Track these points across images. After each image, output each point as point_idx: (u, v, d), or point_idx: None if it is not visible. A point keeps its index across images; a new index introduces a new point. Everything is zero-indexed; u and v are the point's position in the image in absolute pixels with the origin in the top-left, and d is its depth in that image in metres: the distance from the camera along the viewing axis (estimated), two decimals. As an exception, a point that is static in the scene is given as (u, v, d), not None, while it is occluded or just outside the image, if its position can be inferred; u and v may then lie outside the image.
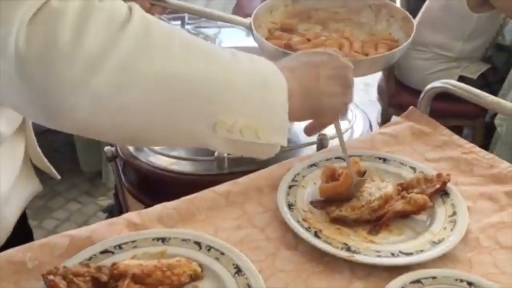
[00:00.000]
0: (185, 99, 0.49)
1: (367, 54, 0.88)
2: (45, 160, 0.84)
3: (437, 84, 0.99)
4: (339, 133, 0.75)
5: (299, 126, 1.08)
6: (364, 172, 0.78)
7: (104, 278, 0.62)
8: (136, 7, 0.49)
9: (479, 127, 2.10)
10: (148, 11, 0.95)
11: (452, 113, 1.95)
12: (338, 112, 0.67)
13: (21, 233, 0.81)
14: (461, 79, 1.99)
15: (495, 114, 1.86)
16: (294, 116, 0.60)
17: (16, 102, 0.48)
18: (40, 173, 0.85)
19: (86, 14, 0.45)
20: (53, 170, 0.86)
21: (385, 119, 2.19)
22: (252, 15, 0.94)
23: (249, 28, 0.92)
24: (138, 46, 0.47)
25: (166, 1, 0.95)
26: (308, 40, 0.92)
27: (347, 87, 0.65)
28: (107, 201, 2.19)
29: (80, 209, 2.20)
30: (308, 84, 0.61)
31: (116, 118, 0.48)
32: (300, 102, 0.60)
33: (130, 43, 0.46)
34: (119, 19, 0.46)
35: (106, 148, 1.04)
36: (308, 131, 0.71)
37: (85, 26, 0.44)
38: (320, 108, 0.64)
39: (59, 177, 0.86)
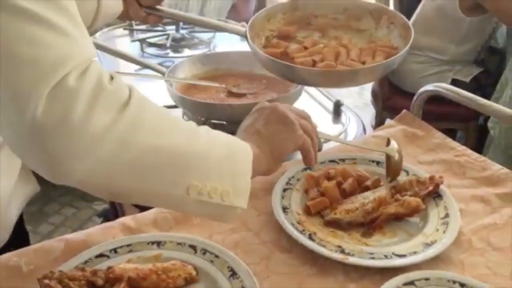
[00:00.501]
0: (168, 166, 0.58)
1: (364, 62, 0.88)
2: None
3: (429, 87, 1.00)
4: (331, 138, 0.77)
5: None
6: (388, 141, 0.84)
7: (100, 282, 0.62)
8: (135, 90, 0.57)
9: (472, 130, 2.11)
10: (144, 20, 0.95)
11: (446, 116, 1.97)
12: (297, 139, 0.73)
13: (18, 236, 0.82)
14: (454, 82, 2.01)
15: (488, 117, 1.88)
16: (265, 168, 0.71)
17: (20, 153, 0.55)
18: (36, 176, 0.85)
19: (97, 94, 0.52)
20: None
21: (379, 122, 2.20)
22: (249, 23, 0.93)
23: (244, 37, 0.92)
24: (135, 122, 0.55)
25: (162, 10, 0.95)
26: (305, 48, 0.91)
27: (284, 118, 0.73)
28: (102, 205, 2.19)
29: (75, 213, 2.19)
30: (255, 140, 0.70)
31: (107, 182, 0.55)
32: (261, 155, 0.69)
33: (128, 119, 0.54)
34: (121, 101, 0.54)
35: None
36: (305, 163, 0.77)
37: (95, 105, 0.52)
38: (276, 148, 0.72)
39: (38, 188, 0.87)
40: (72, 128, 0.50)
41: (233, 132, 1.07)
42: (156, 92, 1.25)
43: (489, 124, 1.82)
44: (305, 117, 0.77)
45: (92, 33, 0.76)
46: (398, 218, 0.76)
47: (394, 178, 0.82)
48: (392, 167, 0.82)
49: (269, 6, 0.99)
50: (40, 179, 0.85)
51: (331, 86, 1.02)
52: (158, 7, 0.94)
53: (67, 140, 0.51)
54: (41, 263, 0.68)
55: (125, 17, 0.96)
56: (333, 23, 0.97)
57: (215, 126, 1.05)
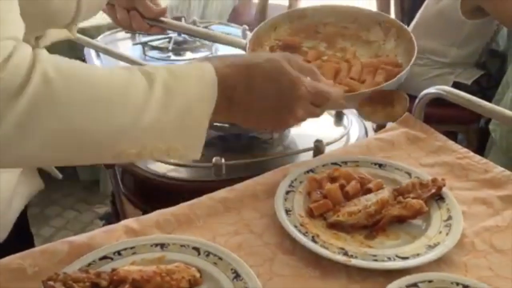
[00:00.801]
0: (84, 148, 0.54)
1: (364, 81, 0.86)
2: None
3: (431, 90, 1.00)
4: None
5: (296, 132, 1.10)
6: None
7: (104, 283, 0.63)
8: (40, 58, 0.52)
9: (473, 133, 2.12)
10: (147, 31, 0.96)
11: (447, 118, 1.97)
12: (281, 126, 0.69)
13: (23, 238, 0.82)
14: (456, 85, 2.01)
15: (489, 120, 1.88)
16: (216, 121, 0.63)
17: None
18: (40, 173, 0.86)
19: None
20: (55, 169, 0.88)
21: (380, 125, 2.20)
22: (253, 34, 0.91)
23: (244, 49, 0.90)
24: (33, 107, 0.50)
25: (164, 22, 0.95)
26: (308, 61, 0.88)
27: (288, 115, 0.65)
28: (103, 208, 2.19)
29: (77, 216, 2.20)
30: (241, 108, 0.63)
31: (20, 163, 0.55)
32: (225, 118, 0.63)
33: (24, 106, 0.50)
34: (15, 84, 0.50)
35: (104, 155, 1.05)
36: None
37: None
38: (258, 120, 0.65)
39: (60, 176, 0.89)
40: None
41: (236, 137, 1.08)
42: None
43: (490, 127, 1.82)
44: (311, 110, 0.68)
45: (80, 22, 0.75)
46: (400, 220, 0.76)
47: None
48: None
49: (275, 16, 0.96)
50: (44, 179, 0.87)
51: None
52: (161, 18, 0.95)
53: None
54: (45, 265, 0.68)
55: (128, 28, 0.96)
56: (342, 32, 0.94)
57: (217, 128, 1.06)
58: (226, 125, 1.06)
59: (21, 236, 0.80)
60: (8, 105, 0.49)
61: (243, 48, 0.91)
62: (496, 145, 1.81)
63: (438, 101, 1.00)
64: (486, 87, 2.03)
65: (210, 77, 0.60)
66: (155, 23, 0.94)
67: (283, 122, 0.67)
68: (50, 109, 0.51)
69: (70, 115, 0.52)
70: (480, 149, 1.98)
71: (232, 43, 0.96)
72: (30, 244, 0.86)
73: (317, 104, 0.67)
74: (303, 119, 0.68)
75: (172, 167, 0.97)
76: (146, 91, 0.56)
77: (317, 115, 0.70)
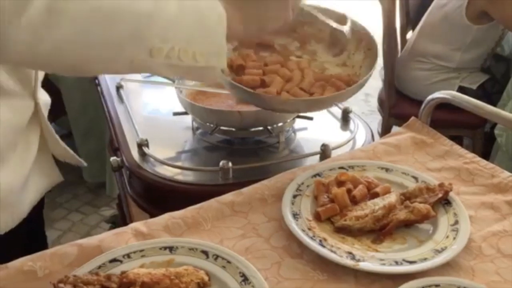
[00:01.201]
0: (116, 31, 0.52)
1: (312, 94, 0.86)
2: (68, 148, 0.85)
3: (437, 95, 1.00)
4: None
5: (303, 137, 1.10)
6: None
7: (114, 286, 0.63)
8: None
9: (478, 137, 2.11)
10: None
11: (453, 123, 1.97)
12: (281, 20, 0.68)
13: (39, 240, 0.83)
14: (461, 89, 2.01)
15: (495, 125, 1.88)
16: (236, 35, 0.64)
17: None
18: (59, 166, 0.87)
19: None
20: (77, 157, 0.88)
21: (385, 129, 2.20)
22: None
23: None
24: None
25: None
26: (265, 65, 0.89)
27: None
28: (109, 211, 2.20)
29: (82, 219, 2.21)
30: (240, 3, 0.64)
31: (54, 51, 0.52)
32: (236, 19, 0.63)
33: None
34: None
35: (112, 159, 1.05)
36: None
37: None
38: (261, 20, 0.66)
39: (84, 164, 0.89)
40: None
41: (243, 141, 1.09)
42: (165, 98, 1.26)
43: (496, 132, 1.82)
44: None
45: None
46: (408, 224, 0.76)
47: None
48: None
49: None
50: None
51: (262, 107, 0.94)
52: None
53: None
54: (56, 268, 0.68)
55: None
56: (317, 35, 0.94)
57: (224, 132, 1.07)
58: (233, 128, 1.06)
59: (35, 238, 0.81)
60: None
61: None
62: (502, 150, 1.81)
63: (444, 106, 1.01)
64: (491, 92, 2.03)
65: None
66: None
67: (282, 9, 0.68)
68: None
69: None
70: (486, 154, 1.98)
71: None
72: (43, 245, 0.86)
73: None
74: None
75: (179, 170, 0.98)
76: None
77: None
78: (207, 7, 0.59)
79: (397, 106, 2.20)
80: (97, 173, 2.22)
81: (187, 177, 0.97)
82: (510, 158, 1.73)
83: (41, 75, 0.80)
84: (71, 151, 0.88)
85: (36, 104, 0.80)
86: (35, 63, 0.55)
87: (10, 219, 0.79)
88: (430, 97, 1.01)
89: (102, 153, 2.08)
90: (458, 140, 2.16)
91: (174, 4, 0.56)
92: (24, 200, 0.80)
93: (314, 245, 0.72)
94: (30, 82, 0.78)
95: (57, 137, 0.84)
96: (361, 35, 0.92)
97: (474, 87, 2.03)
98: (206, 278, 0.66)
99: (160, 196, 0.96)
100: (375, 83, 3.12)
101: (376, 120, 2.53)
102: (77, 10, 0.50)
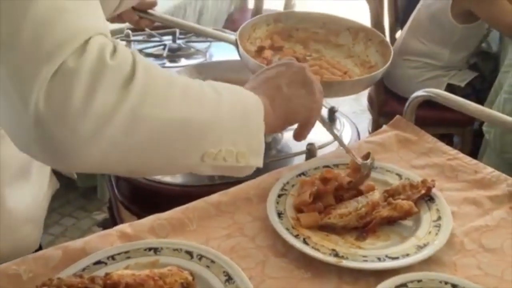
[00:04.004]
0: (181, 138, 0.58)
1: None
2: None
3: (421, 93, 1.01)
4: (328, 127, 0.82)
5: (289, 136, 1.11)
6: (368, 154, 0.83)
7: (98, 288, 0.64)
8: (138, 56, 0.55)
9: (468, 135, 2.13)
10: (137, 23, 0.98)
11: (442, 121, 1.99)
12: (311, 111, 0.73)
13: None
14: (449, 87, 2.03)
15: (483, 122, 1.90)
16: (272, 129, 0.68)
17: (26, 145, 0.53)
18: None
19: (97, 73, 0.50)
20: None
21: (376, 128, 2.21)
22: (237, 32, 0.96)
23: (235, 44, 0.94)
24: (143, 96, 0.53)
25: (153, 14, 0.99)
26: (296, 58, 0.94)
27: (309, 85, 0.72)
28: (102, 215, 2.20)
29: (75, 224, 2.20)
30: (273, 96, 0.69)
31: (123, 160, 0.55)
32: (273, 115, 0.68)
33: (136, 95, 0.52)
34: (126, 75, 0.52)
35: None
36: (296, 136, 0.77)
37: (97, 85, 0.50)
38: (291, 112, 0.71)
39: (75, 176, 0.90)
40: (75, 113, 0.48)
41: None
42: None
43: (484, 128, 1.84)
44: (321, 89, 0.75)
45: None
46: (391, 221, 0.77)
47: (355, 184, 0.82)
48: (359, 177, 0.83)
49: (255, 17, 1.04)
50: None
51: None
52: (150, 11, 0.97)
53: (71, 125, 0.49)
54: (40, 271, 0.69)
55: (118, 20, 0.98)
56: (313, 37, 1.03)
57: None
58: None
59: None
60: (123, 93, 0.51)
61: (233, 43, 0.95)
62: (490, 147, 1.82)
63: (432, 104, 1.02)
64: (480, 89, 2.05)
65: (247, 91, 0.67)
66: (144, 15, 0.98)
67: (308, 94, 0.72)
68: (154, 99, 0.54)
69: (169, 106, 0.55)
70: (475, 151, 1.99)
71: (221, 38, 1.02)
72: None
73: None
74: (320, 100, 0.74)
75: (166, 172, 0.99)
76: (214, 91, 0.62)
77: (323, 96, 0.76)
78: (253, 108, 0.64)
79: (387, 105, 2.21)
80: (88, 177, 2.22)
81: (174, 178, 0.97)
82: (497, 154, 1.74)
83: None
84: None
85: None
86: (99, 169, 0.57)
87: (38, 235, 0.81)
88: (414, 95, 1.02)
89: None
90: (448, 138, 2.18)
91: (226, 108, 0.61)
92: (43, 213, 0.82)
93: (297, 243, 0.72)
94: None
95: None
96: (357, 29, 1.00)
97: (463, 84, 2.04)
98: (190, 278, 0.67)
99: (147, 199, 0.97)
100: (366, 82, 3.13)
101: (367, 120, 2.54)
102: (157, 119, 0.54)
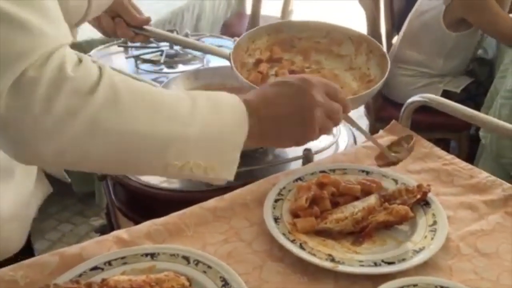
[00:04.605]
0: (142, 149, 0.59)
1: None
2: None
3: (416, 98, 1.02)
4: (351, 122, 0.84)
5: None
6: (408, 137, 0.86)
7: (94, 294, 0.64)
8: (107, 70, 0.58)
9: (464, 139, 2.14)
10: (132, 39, 0.99)
11: (439, 126, 1.99)
12: (304, 140, 0.71)
13: (25, 251, 0.84)
14: (445, 93, 2.03)
15: (479, 127, 1.90)
16: (253, 145, 0.69)
17: None
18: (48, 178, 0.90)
19: (57, 82, 0.53)
20: (64, 173, 0.91)
21: (372, 133, 2.20)
22: (235, 44, 0.96)
23: (228, 59, 0.94)
24: (104, 105, 0.56)
25: (149, 30, 1.00)
26: (293, 72, 0.93)
27: (308, 124, 0.68)
28: (99, 221, 2.19)
29: (72, 230, 2.20)
30: (268, 126, 0.68)
31: (81, 160, 0.58)
32: (258, 134, 0.67)
33: (97, 103, 0.55)
34: (88, 85, 0.55)
35: (96, 168, 1.06)
36: None
37: (57, 92, 0.53)
38: (283, 135, 0.70)
39: (69, 180, 0.92)
40: (33, 116, 0.52)
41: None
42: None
43: (481, 133, 1.85)
44: (333, 95, 0.71)
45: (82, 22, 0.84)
46: (387, 226, 0.77)
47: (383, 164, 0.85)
48: (386, 163, 0.85)
49: (254, 29, 1.02)
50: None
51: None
52: (146, 27, 0.99)
53: (30, 126, 0.53)
54: (37, 277, 0.69)
55: (113, 36, 1.00)
56: (315, 46, 1.00)
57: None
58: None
59: (23, 249, 0.82)
60: (83, 102, 0.54)
61: (227, 58, 0.94)
62: (486, 151, 1.83)
63: (428, 109, 1.02)
64: (476, 94, 2.06)
65: (240, 107, 0.66)
66: (139, 31, 0.99)
67: (304, 132, 0.70)
68: (116, 110, 0.56)
69: (132, 118, 0.58)
70: (472, 156, 2.00)
71: (215, 53, 1.02)
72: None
73: (330, 115, 0.71)
74: (321, 130, 0.71)
75: (163, 178, 0.99)
76: (191, 107, 0.62)
77: (330, 127, 0.73)
78: (233, 126, 0.64)
79: (383, 110, 2.22)
80: (86, 183, 2.21)
81: (171, 184, 0.98)
82: (493, 159, 1.75)
83: None
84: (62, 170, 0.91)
85: None
86: (56, 164, 0.67)
87: (24, 234, 0.82)
88: (409, 100, 1.03)
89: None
90: (444, 142, 2.18)
91: (199, 125, 0.61)
92: (30, 213, 0.84)
93: (294, 248, 0.72)
94: None
95: None
96: (360, 39, 0.98)
97: (458, 90, 2.05)
98: (187, 283, 0.67)
99: (144, 204, 0.97)
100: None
101: (363, 126, 2.55)
102: (116, 129, 0.57)
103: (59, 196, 2.29)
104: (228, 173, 0.64)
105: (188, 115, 0.61)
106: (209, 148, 0.62)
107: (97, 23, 0.99)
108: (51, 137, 0.54)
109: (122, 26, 0.97)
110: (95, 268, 0.69)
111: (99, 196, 2.19)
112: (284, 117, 0.68)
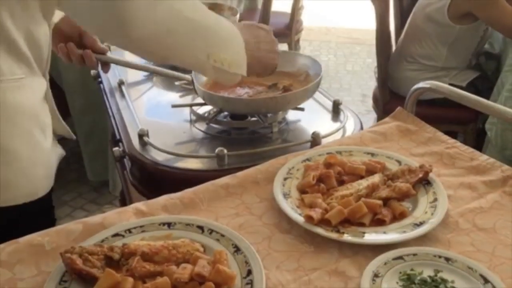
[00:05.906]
0: (193, 35, 0.80)
1: None
2: (64, 123, 1.00)
3: (421, 85, 1.06)
4: None
5: (295, 126, 1.16)
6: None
7: (116, 256, 0.69)
8: None
9: (470, 132, 2.17)
10: (96, 68, 1.22)
11: (445, 119, 2.02)
12: (274, 66, 0.97)
13: (48, 221, 0.90)
14: (451, 86, 2.06)
15: (486, 121, 1.93)
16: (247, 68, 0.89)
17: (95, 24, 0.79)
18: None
19: None
20: (69, 131, 1.01)
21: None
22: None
23: (191, 83, 1.15)
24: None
25: (111, 58, 1.19)
26: None
27: (275, 51, 0.97)
28: (112, 208, 2.25)
29: (86, 216, 2.25)
30: (253, 51, 0.91)
31: (156, 44, 0.78)
32: (250, 59, 0.89)
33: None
34: None
35: (114, 149, 1.11)
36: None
37: None
38: (262, 60, 0.93)
39: (74, 137, 1.03)
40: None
41: (239, 131, 1.15)
42: (164, 92, 1.33)
43: (487, 126, 1.87)
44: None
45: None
46: (389, 201, 0.81)
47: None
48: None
49: None
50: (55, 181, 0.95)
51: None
52: (107, 55, 1.19)
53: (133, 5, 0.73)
54: (62, 242, 0.74)
55: (81, 65, 1.16)
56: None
57: (221, 123, 1.13)
58: (230, 119, 1.12)
59: (46, 220, 0.89)
60: None
61: (189, 82, 1.21)
62: (491, 144, 1.86)
63: (435, 102, 1.06)
64: (482, 89, 2.08)
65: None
66: (102, 57, 1.17)
67: (274, 56, 0.96)
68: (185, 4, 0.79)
69: (186, 8, 0.79)
70: (478, 149, 2.02)
71: (178, 78, 1.29)
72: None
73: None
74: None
75: (177, 157, 1.03)
76: (221, 20, 0.86)
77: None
78: (238, 33, 0.88)
79: (390, 104, 2.25)
80: (100, 171, 2.28)
81: (185, 163, 1.02)
82: (499, 151, 1.78)
83: (48, 58, 0.90)
84: (67, 127, 1.01)
85: (47, 83, 0.91)
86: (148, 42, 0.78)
87: (49, 179, 0.91)
88: (414, 87, 1.07)
89: (105, 153, 2.14)
90: (452, 135, 2.20)
91: (224, 24, 0.86)
92: (52, 165, 0.92)
93: (302, 220, 0.77)
94: (43, 63, 0.88)
95: (58, 113, 0.97)
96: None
97: (464, 84, 2.08)
98: (201, 249, 0.72)
99: (160, 182, 1.02)
100: (372, 84, 3.18)
101: (372, 119, 2.58)
102: (169, 10, 0.77)
103: (73, 184, 2.36)
104: (242, 69, 0.87)
105: (221, 24, 0.85)
106: (232, 47, 0.86)
107: (66, 56, 1.14)
108: (147, 10, 0.73)
109: (90, 56, 1.14)
110: (116, 235, 0.74)
111: (112, 184, 2.26)
112: (261, 47, 0.94)
